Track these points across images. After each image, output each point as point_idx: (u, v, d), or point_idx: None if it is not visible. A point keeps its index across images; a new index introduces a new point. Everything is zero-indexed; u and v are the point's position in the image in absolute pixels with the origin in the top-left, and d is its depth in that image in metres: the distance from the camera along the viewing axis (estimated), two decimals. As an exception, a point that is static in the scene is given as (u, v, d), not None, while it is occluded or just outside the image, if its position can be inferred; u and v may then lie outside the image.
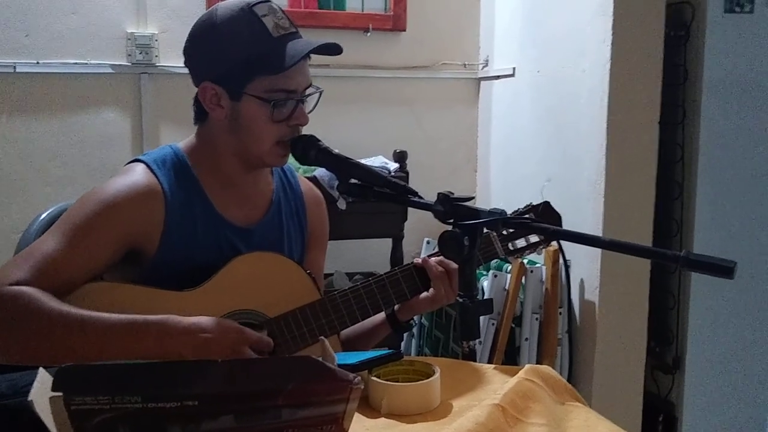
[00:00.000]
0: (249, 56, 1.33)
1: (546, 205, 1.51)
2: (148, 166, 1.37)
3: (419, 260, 1.44)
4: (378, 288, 1.41)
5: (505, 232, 1.49)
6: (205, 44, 1.37)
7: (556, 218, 1.51)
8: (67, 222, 1.27)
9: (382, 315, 1.50)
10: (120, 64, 2.75)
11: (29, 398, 0.73)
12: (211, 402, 0.77)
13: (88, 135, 2.75)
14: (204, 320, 1.22)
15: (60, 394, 0.74)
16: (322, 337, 1.21)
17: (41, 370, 0.78)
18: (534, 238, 1.51)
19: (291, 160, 1.43)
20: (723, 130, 2.42)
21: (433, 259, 1.44)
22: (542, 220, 1.43)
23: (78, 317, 1.17)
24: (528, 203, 1.52)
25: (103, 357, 1.16)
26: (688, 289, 2.46)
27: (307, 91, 1.39)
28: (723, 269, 0.95)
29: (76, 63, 2.70)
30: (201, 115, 1.43)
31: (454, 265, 1.39)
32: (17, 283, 1.17)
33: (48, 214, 1.55)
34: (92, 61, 2.72)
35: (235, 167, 1.42)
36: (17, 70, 2.63)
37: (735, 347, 2.50)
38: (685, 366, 2.48)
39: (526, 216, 1.48)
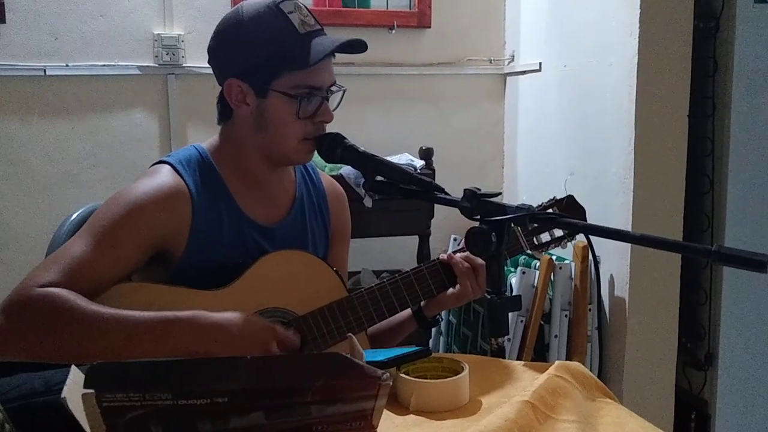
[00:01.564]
0: (276, 52, 1.33)
1: (570, 198, 1.49)
2: (173, 167, 1.37)
3: (445, 256, 1.44)
4: (405, 284, 1.41)
5: (530, 227, 1.48)
6: (232, 41, 1.37)
7: (581, 212, 1.49)
8: (95, 225, 1.28)
9: (408, 310, 1.50)
10: (147, 66, 2.78)
11: (62, 395, 0.74)
12: (241, 398, 0.77)
13: (117, 136, 2.78)
14: (232, 316, 1.23)
15: (92, 391, 0.75)
16: (350, 334, 1.21)
17: (73, 367, 0.79)
18: (558, 232, 1.49)
19: (317, 158, 1.44)
20: (754, 123, 2.37)
21: (459, 255, 1.44)
22: (567, 215, 1.43)
23: (109, 315, 1.18)
24: (552, 197, 1.51)
25: (134, 354, 1.17)
26: (720, 284, 2.42)
27: (332, 89, 1.39)
28: (756, 263, 0.94)
29: (104, 65, 2.73)
30: (225, 114, 1.43)
31: (481, 261, 1.39)
32: (48, 285, 1.19)
33: (78, 214, 1.57)
34: (120, 63, 2.75)
35: (260, 165, 1.43)
36: (47, 73, 2.66)
37: (769, 343, 2.47)
38: (717, 362, 2.45)
39: (551, 210, 1.47)
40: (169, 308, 1.24)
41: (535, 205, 1.46)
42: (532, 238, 1.50)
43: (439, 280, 1.44)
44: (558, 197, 1.51)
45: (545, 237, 1.51)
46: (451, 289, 1.45)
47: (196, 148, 1.44)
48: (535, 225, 1.47)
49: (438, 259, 1.45)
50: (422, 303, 1.49)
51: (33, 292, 1.17)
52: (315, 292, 1.38)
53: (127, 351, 1.17)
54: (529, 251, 1.51)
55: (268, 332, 1.25)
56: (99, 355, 1.15)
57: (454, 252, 1.45)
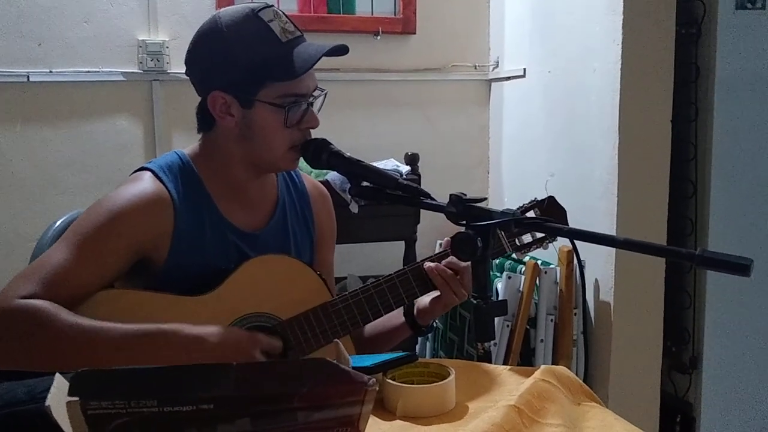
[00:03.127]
0: (260, 63, 1.32)
1: (551, 199, 1.49)
2: (154, 173, 1.36)
3: (428, 265, 1.43)
4: (389, 287, 1.41)
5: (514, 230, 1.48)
6: (213, 52, 1.36)
7: (562, 213, 1.50)
8: (76, 232, 1.27)
9: (401, 319, 1.50)
10: (132, 72, 2.77)
11: (46, 404, 0.74)
12: (227, 405, 0.77)
13: (101, 142, 2.77)
14: (214, 328, 1.23)
15: (76, 398, 0.74)
16: (337, 340, 1.21)
17: (58, 375, 0.78)
18: (540, 233, 1.50)
19: (302, 164, 1.43)
20: (736, 128, 2.40)
21: (444, 262, 1.42)
22: (549, 216, 1.43)
23: (90, 329, 1.17)
24: (533, 198, 1.51)
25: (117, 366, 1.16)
26: (704, 288, 2.44)
27: (314, 94, 1.39)
28: (739, 267, 0.94)
29: (88, 71, 2.72)
30: (206, 123, 1.42)
31: (463, 264, 1.38)
32: (28, 296, 1.17)
33: (62, 221, 1.56)
34: (104, 69, 2.74)
35: (244, 174, 1.42)
36: (31, 79, 2.65)
37: (753, 346, 2.48)
38: (702, 365, 2.46)
39: (534, 213, 1.47)
40: (153, 315, 1.23)
41: (516, 207, 1.47)
42: (514, 240, 1.50)
43: (422, 282, 1.43)
44: (539, 198, 1.51)
45: (527, 238, 1.51)
46: (436, 296, 1.44)
47: (178, 155, 1.42)
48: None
49: (422, 261, 1.44)
50: (415, 311, 1.49)
51: (14, 304, 1.16)
52: (298, 296, 1.38)
53: (110, 364, 1.16)
54: (511, 252, 1.51)
55: (250, 341, 1.24)
56: (81, 367, 1.14)
57: (437, 255, 1.45)
